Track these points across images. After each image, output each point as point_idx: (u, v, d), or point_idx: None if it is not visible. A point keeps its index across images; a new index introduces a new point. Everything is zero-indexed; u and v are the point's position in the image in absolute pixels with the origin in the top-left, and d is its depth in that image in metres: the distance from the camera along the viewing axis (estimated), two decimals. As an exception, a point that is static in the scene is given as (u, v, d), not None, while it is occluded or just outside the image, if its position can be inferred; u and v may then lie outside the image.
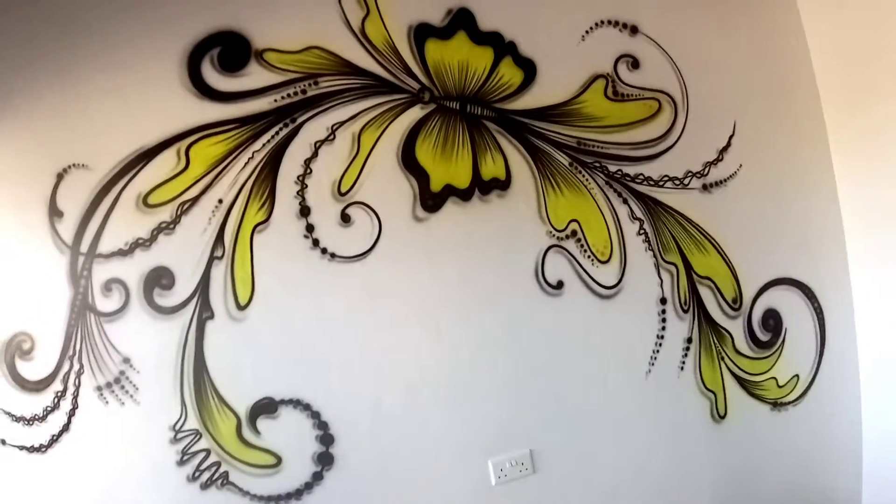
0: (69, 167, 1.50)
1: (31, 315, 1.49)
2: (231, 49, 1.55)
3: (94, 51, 1.51)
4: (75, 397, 1.52)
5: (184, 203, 1.53)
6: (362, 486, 1.61)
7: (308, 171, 1.58)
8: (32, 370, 1.50)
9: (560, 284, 1.71)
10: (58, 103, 1.50)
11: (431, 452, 1.64)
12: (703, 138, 1.82)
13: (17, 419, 1.49)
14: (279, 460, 1.57)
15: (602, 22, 1.76)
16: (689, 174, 1.81)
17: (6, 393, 1.49)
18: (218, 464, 1.55)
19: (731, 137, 1.84)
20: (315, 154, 1.58)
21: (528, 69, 1.70)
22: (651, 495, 1.80)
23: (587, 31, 1.75)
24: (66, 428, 1.51)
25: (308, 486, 1.58)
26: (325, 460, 1.59)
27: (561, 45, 1.73)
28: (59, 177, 1.49)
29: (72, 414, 1.51)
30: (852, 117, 1.84)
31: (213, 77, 1.54)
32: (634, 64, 1.78)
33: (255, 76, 1.55)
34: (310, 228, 1.58)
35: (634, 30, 1.78)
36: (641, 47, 1.78)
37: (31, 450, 1.50)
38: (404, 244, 1.62)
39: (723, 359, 1.84)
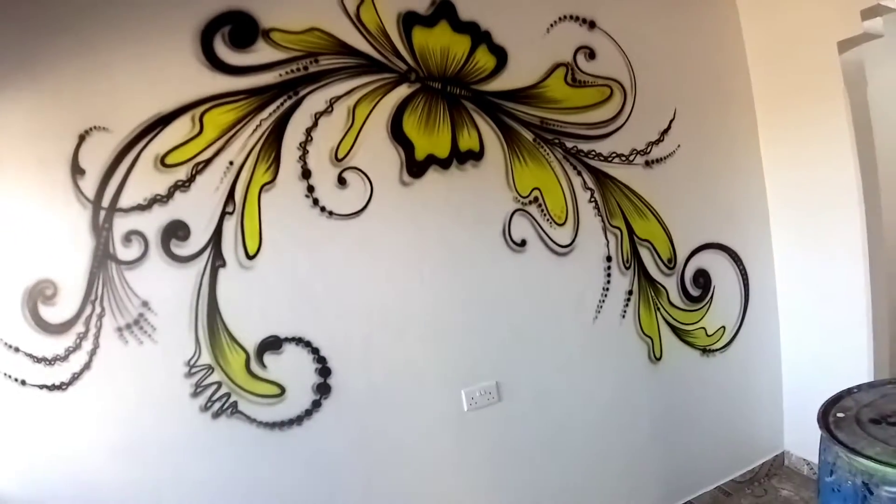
0: (90, 129, 1.64)
1: (54, 264, 1.63)
2: (240, 27, 1.71)
3: (116, 22, 1.64)
4: (97, 337, 1.68)
5: (198, 164, 1.70)
6: (355, 412, 1.85)
7: (309, 138, 1.78)
8: (55, 314, 1.65)
9: (523, 243, 1.98)
10: (79, 70, 1.62)
11: (415, 382, 1.90)
12: (647, 121, 2.11)
13: (39, 360, 1.64)
14: (283, 391, 1.78)
15: (565, 17, 2.01)
16: (634, 152, 2.10)
17: (28, 336, 1.63)
18: (228, 395, 1.75)
19: (671, 122, 2.13)
20: (315, 124, 1.78)
21: (501, 56, 1.94)
22: (596, 423, 2.11)
23: (552, 25, 2.00)
24: (87, 366, 1.67)
25: (308, 413, 1.81)
26: (323, 390, 1.82)
27: (529, 36, 1.97)
28: (81, 138, 1.63)
29: (93, 353, 1.68)
30: (779, 111, 2.16)
31: (225, 52, 1.71)
32: (591, 55, 2.04)
33: (262, 52, 1.73)
34: (310, 189, 1.78)
35: (592, 24, 2.04)
36: (598, 40, 2.04)
37: (52, 388, 1.65)
38: (393, 205, 1.85)
39: (658, 309, 2.16)
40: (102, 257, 1.67)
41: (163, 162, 1.68)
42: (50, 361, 1.66)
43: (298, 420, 1.80)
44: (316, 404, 1.81)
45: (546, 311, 2.02)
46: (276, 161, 1.75)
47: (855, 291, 2.01)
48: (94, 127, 1.64)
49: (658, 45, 2.13)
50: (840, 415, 1.43)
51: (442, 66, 1.88)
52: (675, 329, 2.19)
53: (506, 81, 1.94)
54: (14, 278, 1.61)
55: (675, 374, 2.20)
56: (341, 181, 1.81)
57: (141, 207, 1.68)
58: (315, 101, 1.78)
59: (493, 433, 1.99)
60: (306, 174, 1.77)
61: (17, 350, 1.63)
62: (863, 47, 1.91)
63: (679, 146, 2.15)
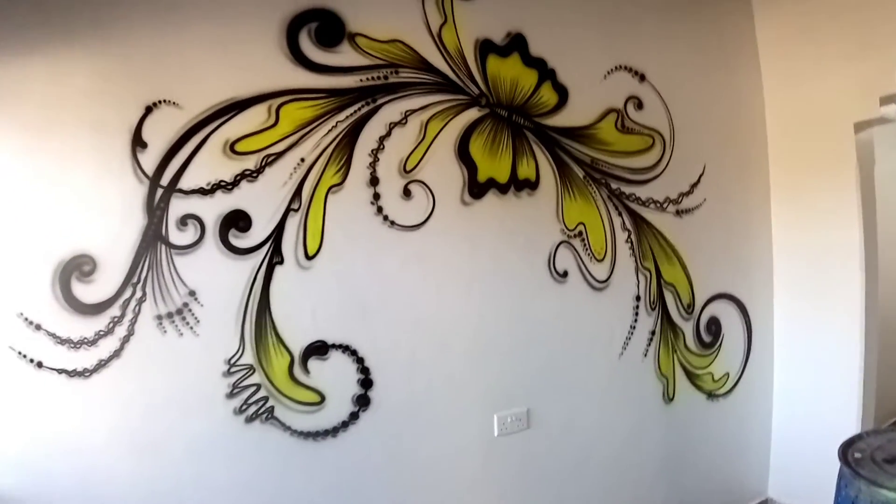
0: (159, 102, 1.54)
1: (97, 238, 1.50)
2: (327, 26, 1.68)
3: (202, 4, 1.57)
4: (132, 324, 1.54)
5: (269, 156, 1.63)
6: (391, 428, 1.76)
7: (381, 146, 1.74)
8: (90, 293, 1.50)
9: (565, 274, 2.00)
10: (154, 39, 1.53)
11: (451, 402, 1.84)
12: (680, 173, 2.21)
13: (62, 341, 1.48)
14: (322, 399, 1.68)
15: (620, 66, 2.10)
16: (668, 200, 2.19)
17: (54, 314, 1.47)
18: (265, 398, 1.63)
19: (700, 176, 2.25)
20: (388, 133, 1.75)
21: (563, 94, 1.99)
22: (613, 457, 2.12)
23: (609, 72, 2.08)
24: (116, 354, 1.52)
25: (344, 425, 1.71)
26: (362, 402, 1.73)
27: (588, 79, 2.04)
28: (148, 109, 1.53)
29: (126, 340, 1.53)
30: (790, 176, 2.32)
31: (309, 48, 1.66)
32: (639, 105, 2.14)
33: (346, 55, 1.70)
34: (376, 196, 1.74)
35: (643, 77, 2.14)
36: (646, 92, 2.15)
37: (73, 374, 1.49)
38: (451, 222, 1.82)
39: (675, 351, 2.22)
40: (153, 238, 1.55)
41: (232, 148, 1.60)
42: (75, 344, 1.50)
43: (334, 431, 1.70)
44: (353, 416, 1.72)
45: (579, 342, 2.03)
46: (347, 164, 1.70)
47: (848, 353, 2.15)
48: (164, 100, 1.54)
49: (695, 104, 2.25)
50: (857, 455, 1.52)
51: (510, 95, 1.91)
52: (687, 372, 2.25)
53: (565, 118, 1.99)
54: (49, 247, 1.47)
55: (684, 416, 2.25)
56: (406, 192, 1.77)
57: (203, 191, 1.58)
58: (391, 111, 1.75)
59: (519, 460, 1.95)
60: (374, 181, 1.73)
61: (38, 328, 1.46)
62: (874, 128, 2.11)
63: (705, 199, 2.26)
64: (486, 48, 1.88)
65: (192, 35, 1.57)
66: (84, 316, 1.50)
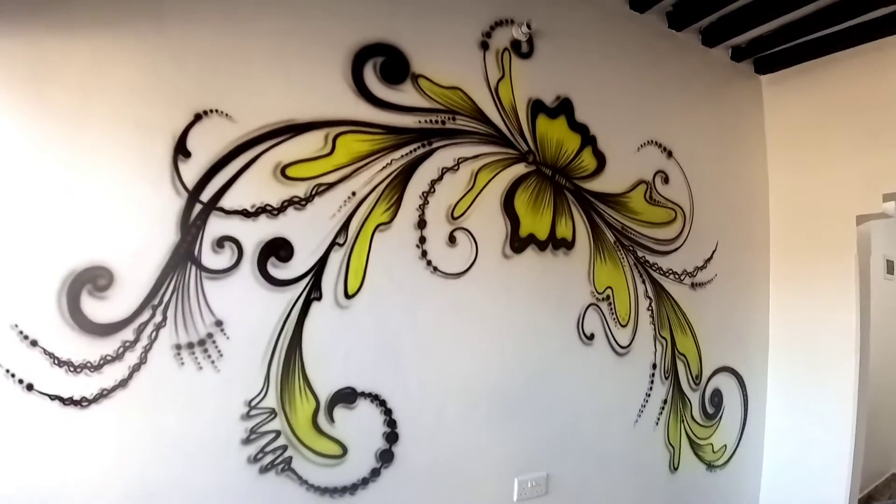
0: (210, 111, 1.38)
1: (119, 249, 1.29)
2: (392, 62, 1.59)
3: (267, 14, 1.45)
4: (146, 351, 1.31)
5: (320, 185, 1.48)
6: (411, 487, 1.56)
7: (432, 190, 1.62)
8: (102, 311, 1.28)
9: (592, 336, 1.90)
10: (215, 43, 1.39)
11: (475, 463, 1.66)
12: (696, 248, 2.20)
13: (61, 363, 1.25)
14: (345, 452, 1.48)
15: (652, 141, 2.10)
16: (685, 272, 2.16)
17: (56, 330, 1.24)
18: (284, 447, 1.42)
19: (713, 252, 2.24)
20: (440, 177, 1.64)
21: (601, 160, 1.96)
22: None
23: (641, 146, 2.07)
24: (122, 383, 1.29)
25: (364, 482, 1.50)
26: (385, 458, 1.53)
27: (624, 150, 2.02)
28: (197, 117, 1.36)
29: (136, 369, 1.30)
30: (789, 259, 2.35)
31: (373, 82, 1.56)
32: (665, 179, 2.13)
33: (407, 94, 1.60)
34: (422, 240, 1.60)
35: (670, 154, 2.14)
36: (672, 168, 2.15)
37: (67, 402, 1.25)
38: (492, 274, 1.70)
39: (683, 421, 2.13)
40: (183, 258, 1.35)
41: (283, 172, 1.44)
42: (76, 368, 1.26)
43: (353, 489, 1.49)
44: (375, 473, 1.52)
45: (599, 408, 1.91)
46: (398, 204, 1.57)
47: (839, 431, 2.13)
48: (216, 110, 1.38)
49: (711, 183, 2.27)
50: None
51: (555, 156, 1.86)
52: (692, 442, 2.16)
53: (601, 184, 1.95)
54: (61, 251, 1.24)
55: (685, 486, 2.15)
56: (451, 239, 1.65)
57: (246, 213, 1.40)
58: (445, 156, 1.65)
59: (534, 529, 1.78)
60: (422, 224, 1.60)
61: (33, 344, 1.22)
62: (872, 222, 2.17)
63: (716, 275, 2.25)
64: (536, 108, 1.83)
65: (255, 47, 1.44)
66: (91, 336, 1.27)
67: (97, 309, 1.27)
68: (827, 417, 2.19)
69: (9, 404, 1.19)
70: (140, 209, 1.31)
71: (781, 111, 2.43)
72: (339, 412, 1.47)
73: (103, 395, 1.27)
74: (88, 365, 1.26)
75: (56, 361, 1.24)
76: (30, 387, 1.21)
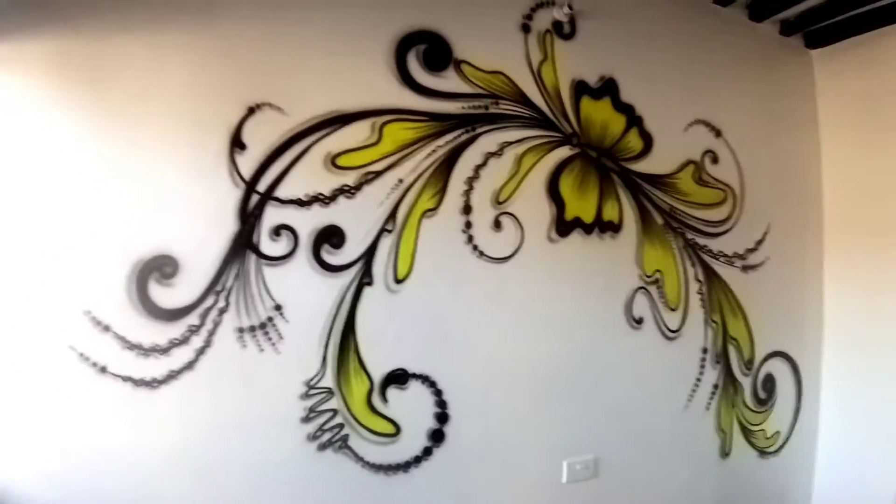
0: (263, 105, 1.41)
1: (183, 240, 1.36)
2: (435, 50, 1.58)
3: (311, 7, 1.47)
4: (211, 334, 1.38)
5: (368, 173, 1.50)
6: (462, 466, 1.58)
7: (476, 175, 1.62)
8: (168, 297, 1.35)
9: (641, 321, 1.86)
10: (264, 38, 1.43)
11: (524, 445, 1.66)
12: (747, 230, 2.10)
13: (132, 346, 1.32)
14: (398, 431, 1.51)
15: (699, 121, 2.01)
16: (736, 255, 2.07)
17: (127, 316, 1.32)
18: (341, 426, 1.46)
19: (765, 234, 2.14)
20: (485, 163, 1.63)
21: (648, 141, 1.89)
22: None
23: (689, 125, 1.99)
24: (189, 365, 1.36)
25: (417, 460, 1.53)
26: (437, 437, 1.55)
27: (671, 130, 1.94)
28: (251, 111, 1.41)
29: (201, 351, 1.37)
30: (844, 243, 2.21)
31: (416, 69, 1.56)
32: (715, 159, 2.04)
33: (450, 80, 1.60)
34: (468, 225, 1.60)
35: (719, 133, 2.05)
36: (721, 148, 2.05)
37: (139, 383, 1.33)
38: (537, 258, 1.69)
39: (734, 406, 2.06)
40: (243, 246, 1.40)
41: (333, 162, 1.47)
42: (146, 351, 1.33)
43: (406, 466, 1.52)
44: (427, 451, 1.55)
45: (648, 392, 1.87)
46: (443, 190, 1.58)
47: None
48: (269, 104, 1.42)
49: (762, 164, 2.15)
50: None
51: (600, 137, 1.81)
52: (743, 428, 2.09)
53: (648, 165, 1.89)
54: (129, 243, 1.32)
55: (737, 473, 2.08)
56: (497, 224, 1.64)
57: (300, 203, 1.44)
58: (488, 141, 1.64)
59: (583, 509, 1.77)
60: (467, 209, 1.60)
61: (106, 329, 1.30)
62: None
63: (768, 258, 2.15)
64: (580, 89, 1.78)
65: (302, 41, 1.47)
66: (159, 321, 1.34)
67: (164, 295, 1.34)
68: (885, 407, 2.07)
69: (83, 385, 1.28)
70: (201, 200, 1.37)
71: (835, 87, 2.28)
72: (391, 393, 1.51)
73: (172, 376, 1.35)
74: (157, 348, 1.34)
75: (127, 345, 1.32)
76: (103, 369, 1.30)
